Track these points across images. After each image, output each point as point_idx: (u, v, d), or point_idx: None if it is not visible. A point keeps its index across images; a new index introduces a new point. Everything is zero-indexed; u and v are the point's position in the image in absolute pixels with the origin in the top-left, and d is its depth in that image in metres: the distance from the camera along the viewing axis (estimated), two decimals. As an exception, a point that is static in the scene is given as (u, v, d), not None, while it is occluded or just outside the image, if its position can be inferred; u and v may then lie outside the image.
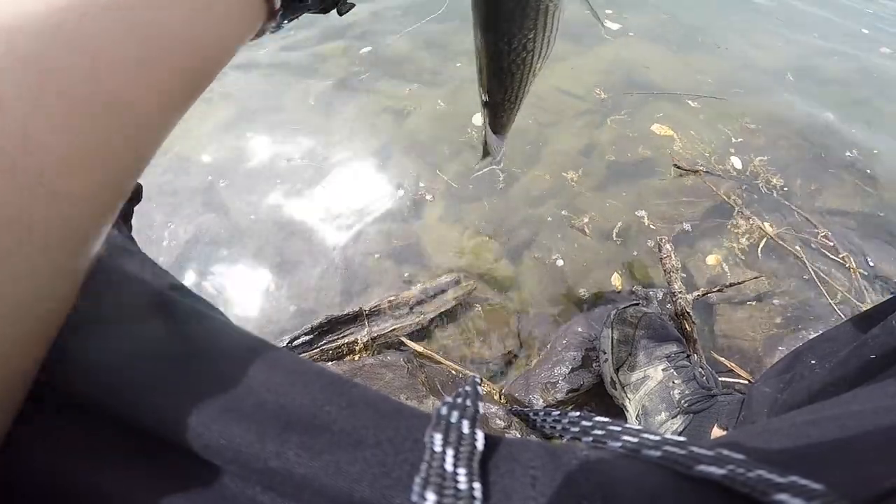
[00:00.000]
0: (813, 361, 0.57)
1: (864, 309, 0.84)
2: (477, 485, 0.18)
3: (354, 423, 0.20)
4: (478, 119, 1.16)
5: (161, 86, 0.21)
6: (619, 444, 0.21)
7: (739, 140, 1.16)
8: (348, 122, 1.13)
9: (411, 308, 0.77)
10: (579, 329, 0.77)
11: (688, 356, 0.72)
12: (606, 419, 0.24)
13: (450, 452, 0.19)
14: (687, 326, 0.77)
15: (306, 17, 0.35)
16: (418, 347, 0.75)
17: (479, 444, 0.20)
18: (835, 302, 0.85)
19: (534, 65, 0.40)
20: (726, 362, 0.78)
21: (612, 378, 0.72)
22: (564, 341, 0.76)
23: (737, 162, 1.09)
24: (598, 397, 0.74)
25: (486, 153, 0.55)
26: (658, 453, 0.20)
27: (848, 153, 1.15)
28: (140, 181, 0.42)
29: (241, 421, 0.19)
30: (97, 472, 0.19)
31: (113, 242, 0.27)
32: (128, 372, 0.21)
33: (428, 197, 0.97)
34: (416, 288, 0.80)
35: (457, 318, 0.79)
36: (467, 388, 0.23)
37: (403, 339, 0.76)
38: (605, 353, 0.73)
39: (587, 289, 0.85)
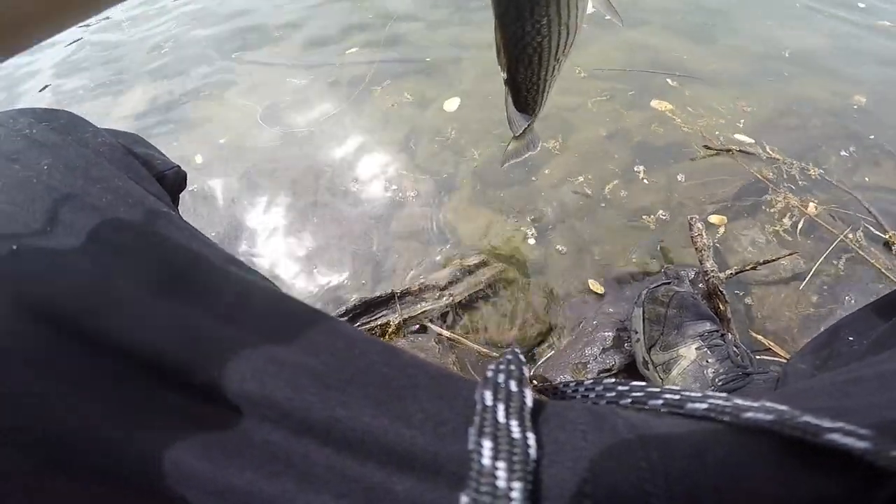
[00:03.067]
0: (851, 338, 0.55)
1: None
2: (531, 434, 0.19)
3: (409, 381, 0.21)
4: (451, 104, 1.17)
5: None
6: (661, 401, 0.22)
7: (769, 121, 1.13)
8: (378, 112, 1.15)
9: (441, 290, 0.78)
10: (610, 310, 0.77)
11: (722, 335, 0.71)
12: (643, 383, 0.24)
13: (500, 407, 0.20)
14: (720, 305, 0.76)
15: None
16: (446, 332, 0.76)
17: (528, 401, 0.20)
18: (876, 280, 0.83)
19: (552, 50, 0.40)
20: (764, 340, 0.77)
21: (644, 358, 0.72)
22: (595, 322, 0.75)
23: (768, 141, 1.07)
24: (630, 378, 0.74)
25: (519, 134, 0.55)
26: (704, 405, 0.20)
27: (881, 132, 1.11)
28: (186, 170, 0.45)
29: (307, 375, 0.21)
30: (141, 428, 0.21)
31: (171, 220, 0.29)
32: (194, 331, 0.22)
33: (455, 180, 0.98)
34: (445, 270, 0.81)
35: (486, 301, 0.80)
36: (509, 355, 0.24)
37: (432, 322, 0.77)
38: (636, 332, 0.73)
39: (617, 269, 0.84)
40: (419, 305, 0.78)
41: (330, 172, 1.03)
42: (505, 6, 0.36)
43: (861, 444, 0.17)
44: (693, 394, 0.22)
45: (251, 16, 1.60)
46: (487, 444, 0.18)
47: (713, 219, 0.93)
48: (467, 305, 0.79)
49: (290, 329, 0.23)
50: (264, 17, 1.58)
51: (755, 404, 0.19)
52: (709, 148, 1.04)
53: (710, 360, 0.69)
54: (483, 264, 0.82)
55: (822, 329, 0.78)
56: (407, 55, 1.32)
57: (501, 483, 0.17)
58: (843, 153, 1.05)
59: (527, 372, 0.23)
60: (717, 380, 0.67)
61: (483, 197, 0.95)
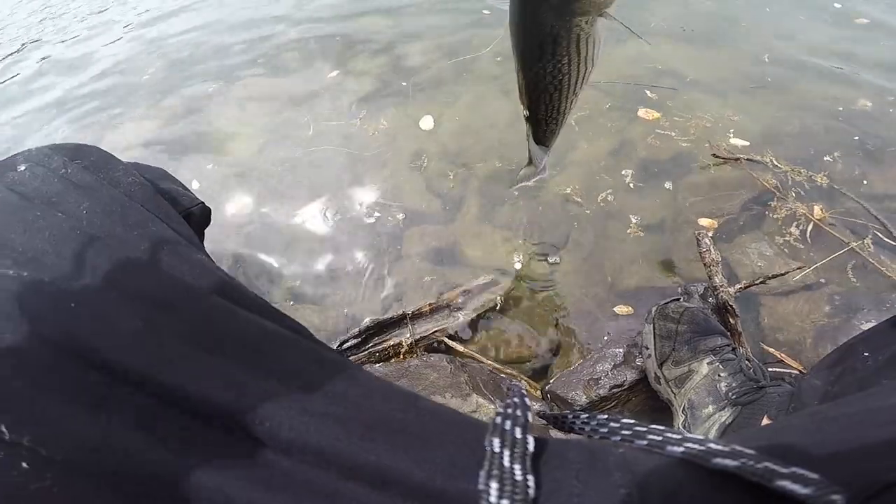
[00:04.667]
0: (866, 354, 0.55)
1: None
2: (531, 477, 0.22)
3: (425, 427, 0.25)
4: (426, 121, 1.18)
5: None
6: (645, 441, 0.25)
7: (774, 128, 1.13)
8: (382, 132, 1.16)
9: (452, 310, 0.79)
10: (620, 326, 0.77)
11: (733, 349, 0.71)
12: (632, 421, 0.27)
13: (506, 453, 0.23)
14: (730, 320, 0.76)
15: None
16: (459, 348, 0.77)
17: (531, 447, 0.24)
18: (888, 289, 0.83)
19: (572, 86, 0.41)
20: (776, 353, 0.77)
21: (655, 374, 0.72)
22: (605, 338, 0.76)
23: (773, 149, 1.07)
24: (643, 393, 0.74)
25: (529, 162, 0.56)
26: (681, 449, 0.23)
27: (887, 137, 1.11)
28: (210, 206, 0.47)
29: (335, 423, 0.24)
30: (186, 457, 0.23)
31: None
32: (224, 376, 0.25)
33: (463, 199, 0.99)
34: (455, 290, 0.82)
35: (497, 318, 0.81)
36: (515, 399, 0.27)
37: (445, 340, 0.78)
38: (647, 348, 0.73)
39: (626, 285, 0.85)
40: (430, 325, 0.79)
41: (335, 195, 1.04)
42: (527, 47, 0.38)
43: (804, 491, 0.20)
44: (673, 436, 0.24)
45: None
46: (494, 486, 0.21)
47: (703, 221, 0.94)
48: (478, 324, 0.80)
49: (319, 380, 0.26)
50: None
51: (725, 449, 0.22)
52: (717, 157, 1.04)
53: (722, 375, 0.69)
54: (492, 283, 0.83)
55: (835, 339, 0.78)
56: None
57: None
58: (849, 160, 1.05)
59: (531, 417, 0.26)
60: (730, 394, 0.67)
61: (490, 215, 0.96)
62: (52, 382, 0.23)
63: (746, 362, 0.70)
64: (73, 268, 0.27)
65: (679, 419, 0.69)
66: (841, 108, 1.19)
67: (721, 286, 0.79)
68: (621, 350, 0.74)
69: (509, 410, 0.26)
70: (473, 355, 0.76)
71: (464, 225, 0.95)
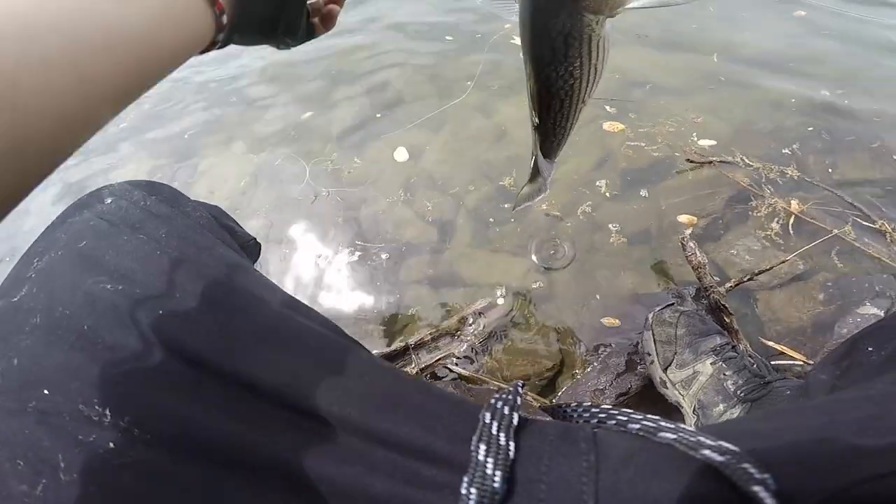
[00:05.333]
0: (870, 348, 0.56)
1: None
2: (512, 443, 0.28)
3: (434, 405, 0.31)
4: (400, 154, 1.20)
5: (118, 70, 0.25)
6: (638, 426, 0.29)
7: (737, 126, 1.17)
8: (368, 160, 1.18)
9: (454, 336, 0.79)
10: (619, 335, 0.78)
11: (733, 347, 0.72)
12: (629, 410, 0.31)
13: (495, 424, 0.29)
14: (726, 318, 0.77)
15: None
16: (464, 372, 0.77)
17: (515, 421, 0.29)
18: (877, 270, 0.84)
19: (582, 91, 0.41)
20: (776, 346, 0.77)
21: (661, 378, 0.72)
22: (607, 349, 0.76)
23: (746, 148, 1.10)
24: (649, 399, 0.74)
25: (533, 177, 0.56)
26: (673, 436, 0.27)
27: (852, 126, 1.15)
28: (261, 242, 0.50)
29: (368, 401, 0.31)
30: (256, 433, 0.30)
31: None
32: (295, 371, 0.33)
33: (456, 223, 1.00)
34: (455, 316, 0.82)
35: (499, 339, 0.81)
36: (510, 388, 0.32)
37: (449, 366, 0.78)
38: (649, 354, 0.74)
39: (621, 294, 0.86)
40: (434, 353, 0.79)
41: (335, 226, 1.05)
42: (540, 49, 0.38)
43: (720, 458, 0.24)
44: (667, 424, 0.28)
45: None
46: (482, 447, 0.27)
47: (682, 218, 0.96)
48: (480, 347, 0.80)
49: (356, 369, 0.33)
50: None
51: (714, 443, 0.25)
52: (691, 161, 1.07)
53: (727, 373, 0.69)
54: (490, 305, 0.84)
55: (833, 325, 0.79)
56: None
57: (489, 471, 0.26)
58: (815, 151, 1.08)
59: (519, 400, 0.31)
60: (738, 392, 0.68)
61: (484, 237, 0.97)
62: (157, 377, 0.30)
63: (749, 359, 0.71)
64: (164, 284, 0.34)
65: (691, 420, 0.69)
66: (798, 101, 1.23)
67: (711, 287, 0.80)
68: (622, 359, 0.74)
69: (503, 395, 0.31)
70: (478, 378, 0.76)
71: (458, 249, 0.96)
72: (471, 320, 0.82)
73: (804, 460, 0.25)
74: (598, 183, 1.05)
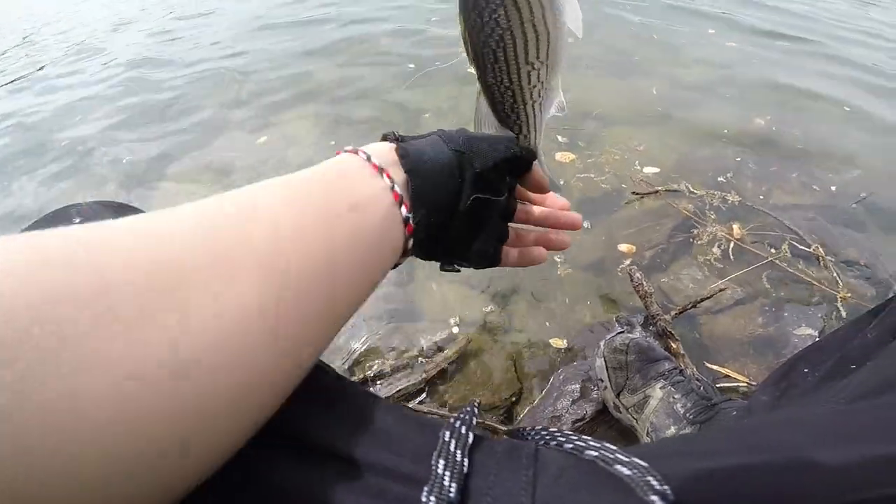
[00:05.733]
0: (806, 370, 0.60)
1: (840, 296, 0.88)
2: (466, 459, 0.31)
3: (401, 429, 0.34)
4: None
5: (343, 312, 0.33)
6: (571, 445, 0.33)
7: (679, 153, 1.24)
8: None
9: (413, 368, 0.80)
10: (574, 363, 0.80)
11: (681, 371, 0.75)
12: (569, 432, 0.35)
13: (453, 441, 0.32)
14: (672, 344, 0.80)
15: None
16: (423, 408, 0.77)
17: (470, 439, 0.32)
18: (810, 293, 0.90)
19: (520, 49, 0.39)
20: (721, 369, 0.81)
21: (614, 403, 0.74)
22: (562, 376, 0.78)
23: (690, 177, 1.17)
24: (605, 423, 0.76)
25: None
26: (596, 453, 0.31)
27: (784, 150, 1.25)
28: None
29: (348, 430, 0.33)
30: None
31: None
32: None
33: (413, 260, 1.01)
34: (415, 348, 0.83)
35: (458, 371, 0.82)
36: (467, 408, 0.35)
37: (408, 401, 0.78)
38: (602, 381, 0.76)
39: (575, 323, 0.88)
40: (392, 385, 0.79)
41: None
42: None
43: (627, 472, 0.28)
44: (592, 443, 0.32)
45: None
46: (441, 462, 0.30)
47: (622, 247, 1.01)
48: (440, 378, 0.81)
49: (344, 402, 0.36)
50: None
51: (627, 459, 0.29)
52: (637, 193, 1.13)
53: (676, 397, 0.72)
54: (449, 338, 0.85)
55: (772, 347, 0.83)
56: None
57: (446, 483, 0.29)
58: (755, 177, 1.16)
59: (475, 421, 0.34)
60: (687, 414, 0.70)
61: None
62: None
63: (696, 382, 0.74)
64: None
65: (645, 441, 0.71)
66: (735, 129, 1.32)
67: (658, 315, 0.84)
68: (577, 386, 0.76)
69: (461, 415, 0.34)
70: (436, 412, 0.77)
71: (418, 283, 0.97)
72: (429, 352, 0.82)
73: (702, 477, 0.28)
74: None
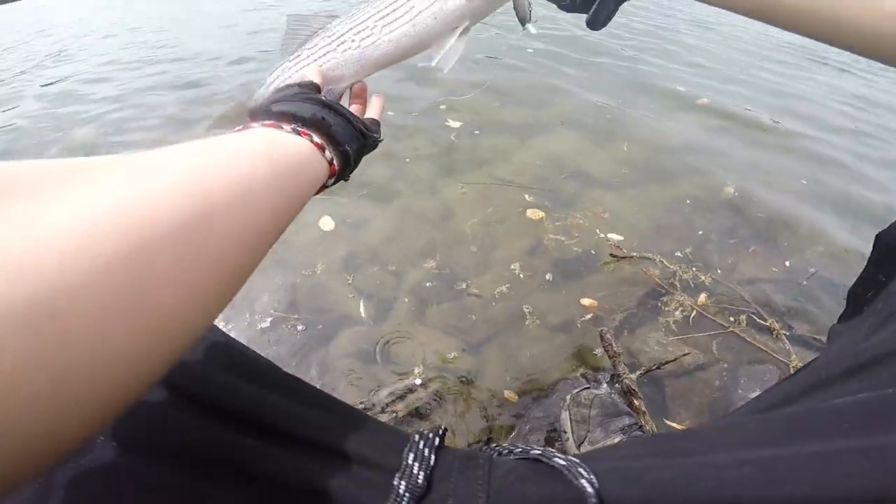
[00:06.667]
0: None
1: (792, 366, 0.94)
2: (433, 455, 0.38)
3: (384, 436, 0.41)
4: (325, 222, 1.30)
5: (259, 238, 0.31)
6: (519, 450, 0.38)
7: (660, 221, 1.33)
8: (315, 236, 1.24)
9: (382, 409, 0.82)
10: (540, 414, 0.83)
11: (640, 427, 0.79)
12: (517, 445, 0.41)
13: (422, 442, 0.39)
14: (635, 401, 0.85)
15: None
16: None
17: (436, 442, 0.39)
18: (764, 363, 0.95)
19: None
20: (678, 426, 0.85)
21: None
22: (528, 426, 0.82)
23: (663, 244, 1.25)
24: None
25: None
26: (539, 452, 0.36)
27: (753, 219, 1.34)
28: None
29: (329, 427, 0.40)
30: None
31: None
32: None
33: (395, 301, 1.06)
34: (385, 390, 0.86)
35: (427, 415, 0.84)
36: (434, 428, 0.42)
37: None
38: (565, 433, 0.79)
39: (543, 376, 0.92)
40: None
41: (268, 294, 1.08)
42: None
43: (562, 462, 0.34)
44: (535, 447, 0.38)
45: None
46: (411, 455, 0.37)
47: (585, 301, 1.08)
48: (409, 422, 0.83)
49: (321, 405, 0.43)
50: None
51: (563, 456, 0.35)
52: (614, 256, 1.20)
53: (634, 452, 0.76)
54: (423, 383, 0.88)
55: (726, 408, 0.88)
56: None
57: (415, 471, 0.35)
58: (723, 249, 1.25)
59: (441, 432, 0.41)
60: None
61: (419, 315, 1.03)
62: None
63: (654, 438, 0.78)
64: None
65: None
66: (701, 197, 1.42)
67: (624, 374, 0.89)
68: (542, 436, 0.80)
69: (429, 430, 0.41)
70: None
71: (392, 326, 1.02)
72: (399, 394, 0.85)
73: (619, 468, 0.34)
74: (537, 272, 1.15)
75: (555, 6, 0.60)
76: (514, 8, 0.59)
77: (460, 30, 0.55)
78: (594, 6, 0.55)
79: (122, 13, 3.98)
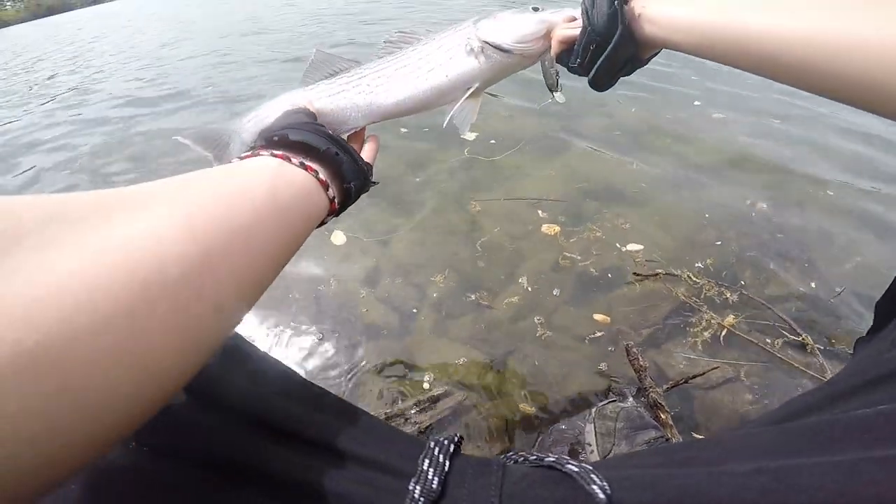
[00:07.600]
0: None
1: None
2: (447, 461, 0.38)
3: (393, 437, 0.42)
4: (337, 237, 1.32)
5: (258, 278, 0.35)
6: (534, 457, 0.39)
7: (692, 238, 1.31)
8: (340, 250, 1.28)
9: (406, 419, 0.83)
10: (563, 427, 0.83)
11: (666, 440, 0.78)
12: (531, 452, 0.41)
13: (437, 448, 0.39)
14: (661, 415, 0.83)
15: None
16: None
17: (451, 448, 0.39)
18: (795, 378, 0.93)
19: None
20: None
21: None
22: (551, 438, 0.81)
23: (695, 262, 1.23)
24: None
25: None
26: (553, 459, 0.37)
27: (784, 237, 1.31)
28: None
29: (349, 434, 0.41)
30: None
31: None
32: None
33: (417, 314, 1.08)
34: (410, 400, 0.87)
35: (450, 426, 0.85)
36: (451, 434, 0.42)
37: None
38: (590, 445, 0.78)
39: (569, 389, 0.92)
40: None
41: (294, 305, 1.12)
42: None
43: (575, 469, 0.34)
44: (550, 455, 0.38)
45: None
46: (426, 462, 0.37)
47: (597, 317, 1.08)
48: (432, 433, 0.84)
49: (345, 415, 0.44)
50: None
51: (576, 464, 0.35)
52: (637, 274, 1.19)
53: (659, 464, 0.74)
54: (446, 394, 0.89)
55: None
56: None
57: (430, 476, 0.36)
58: (755, 265, 1.22)
59: (457, 439, 0.41)
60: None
61: (443, 328, 1.05)
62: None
63: (682, 452, 0.76)
64: None
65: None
66: (730, 210, 1.40)
67: (650, 387, 0.88)
68: (566, 448, 0.79)
69: (445, 435, 0.42)
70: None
71: (417, 338, 1.03)
72: (425, 406, 0.86)
73: (632, 476, 0.33)
74: (550, 289, 1.16)
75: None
76: (542, 75, 0.60)
77: (471, 90, 0.57)
78: (592, 72, 0.55)
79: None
